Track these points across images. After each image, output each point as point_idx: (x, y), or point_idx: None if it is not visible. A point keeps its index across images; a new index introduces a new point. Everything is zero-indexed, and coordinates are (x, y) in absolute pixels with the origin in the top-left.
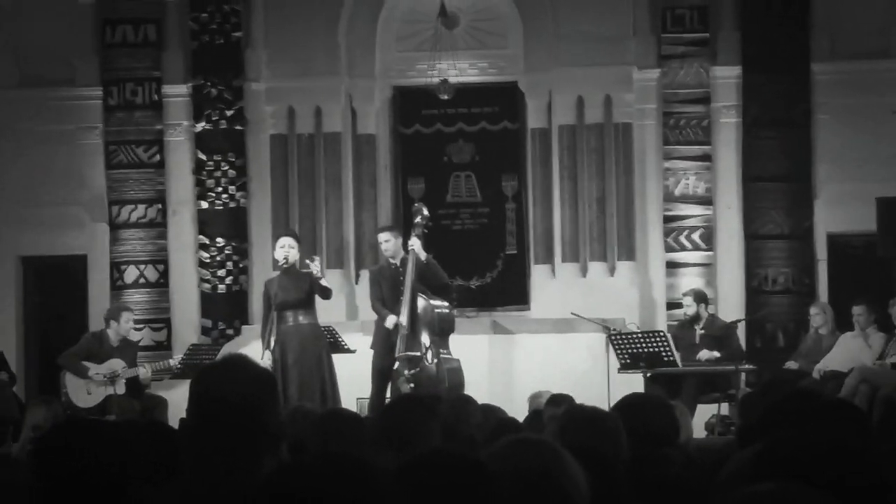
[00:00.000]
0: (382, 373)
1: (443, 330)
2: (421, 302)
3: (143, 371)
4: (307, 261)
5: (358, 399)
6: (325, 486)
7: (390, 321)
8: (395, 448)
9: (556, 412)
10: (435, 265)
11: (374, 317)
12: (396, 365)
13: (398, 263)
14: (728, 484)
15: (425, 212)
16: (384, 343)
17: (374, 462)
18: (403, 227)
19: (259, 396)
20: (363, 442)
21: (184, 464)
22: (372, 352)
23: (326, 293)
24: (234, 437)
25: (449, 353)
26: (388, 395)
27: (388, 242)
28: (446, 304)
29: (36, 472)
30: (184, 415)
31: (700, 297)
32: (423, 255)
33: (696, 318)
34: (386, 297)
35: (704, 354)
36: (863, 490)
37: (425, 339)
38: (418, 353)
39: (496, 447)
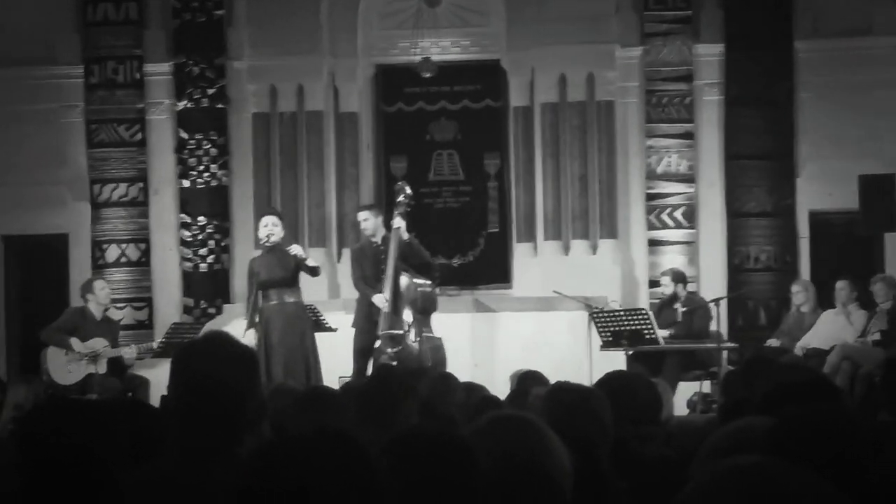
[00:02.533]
0: (364, 351)
1: (425, 308)
2: (403, 280)
3: (129, 351)
4: (288, 249)
5: (340, 377)
6: (312, 460)
7: (378, 299)
8: (376, 425)
9: (541, 391)
10: (417, 244)
11: (356, 295)
12: (378, 343)
13: (379, 242)
14: (710, 456)
15: (408, 190)
16: (366, 321)
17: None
18: (386, 205)
19: (240, 373)
20: (344, 419)
21: (167, 442)
22: (353, 330)
23: (315, 271)
24: (216, 414)
25: (431, 332)
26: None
27: (366, 221)
28: (429, 282)
29: (19, 453)
30: (165, 393)
31: (678, 277)
32: (405, 236)
33: (674, 296)
34: (368, 276)
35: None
36: (863, 467)
37: (408, 317)
38: (401, 332)
39: (479, 424)
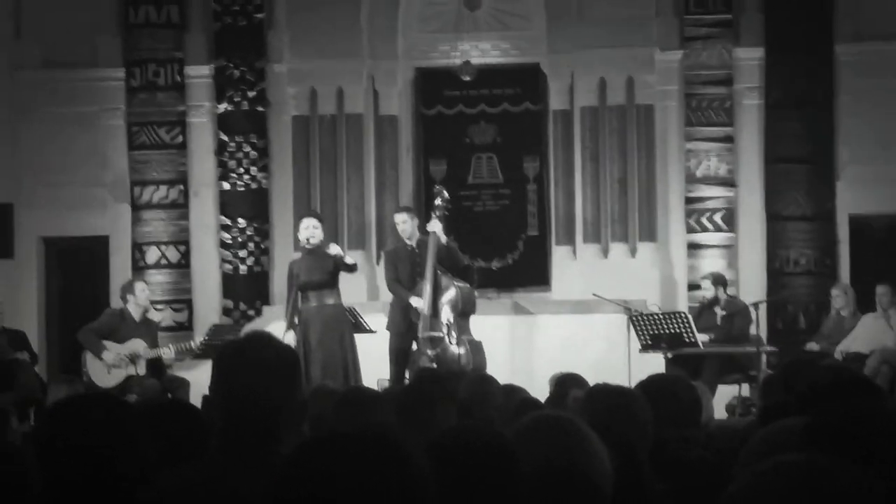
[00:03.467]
0: (401, 354)
1: (465, 311)
2: (443, 282)
3: (167, 352)
4: (330, 252)
5: (378, 380)
6: (351, 459)
7: (417, 301)
8: (415, 427)
9: (580, 394)
10: (454, 249)
11: (391, 298)
12: (415, 347)
13: (414, 245)
14: (752, 457)
15: (445, 194)
16: (401, 324)
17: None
18: (424, 209)
19: (281, 373)
20: (383, 420)
21: (208, 441)
22: (388, 333)
23: (353, 268)
24: (258, 416)
25: (470, 334)
26: (408, 375)
27: (405, 224)
28: (467, 284)
29: (38, 454)
30: (206, 394)
31: (718, 280)
32: (443, 239)
33: (715, 300)
34: (402, 279)
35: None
36: None
37: (447, 319)
38: (440, 334)
39: (520, 425)
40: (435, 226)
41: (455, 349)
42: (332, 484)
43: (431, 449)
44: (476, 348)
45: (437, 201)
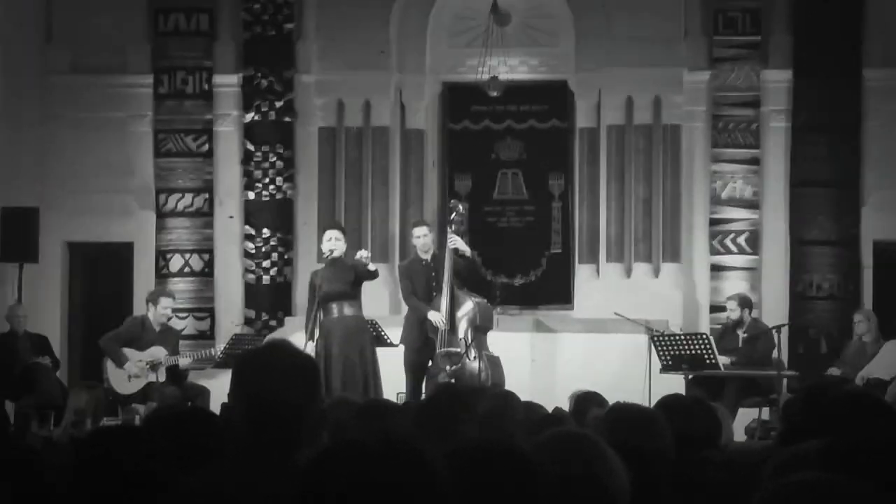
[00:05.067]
0: (417, 368)
1: (482, 326)
2: (460, 297)
3: (185, 361)
4: (356, 257)
5: (398, 393)
6: (371, 465)
7: (435, 316)
8: (435, 440)
9: (600, 412)
10: (476, 263)
11: (405, 311)
12: (431, 363)
13: (429, 259)
14: (774, 475)
15: (461, 208)
16: (417, 338)
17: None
18: (441, 224)
19: (300, 381)
20: (403, 428)
21: (226, 448)
22: (402, 347)
23: (373, 274)
24: (277, 421)
25: (488, 350)
26: (424, 390)
27: (425, 237)
28: (484, 300)
29: (76, 481)
30: (225, 401)
31: (744, 302)
32: (468, 251)
33: (739, 322)
34: (418, 293)
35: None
36: None
37: (465, 335)
38: (459, 350)
39: (540, 439)
40: (455, 240)
41: (473, 365)
42: (353, 489)
43: (451, 459)
44: (494, 364)
45: (453, 216)
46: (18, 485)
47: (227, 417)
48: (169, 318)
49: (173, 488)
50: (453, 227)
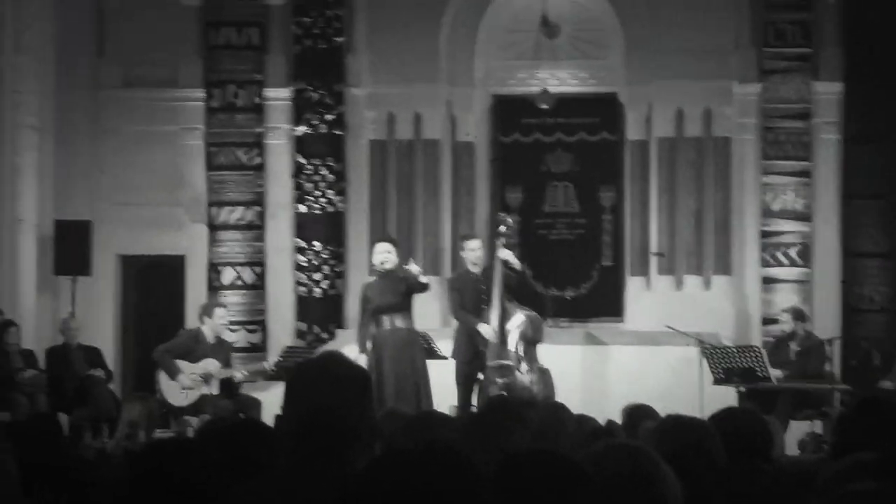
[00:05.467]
0: (468, 380)
1: (533, 339)
2: (510, 310)
3: (238, 376)
4: (405, 266)
5: (450, 406)
6: (421, 473)
7: (485, 329)
8: (486, 452)
9: (652, 425)
10: (525, 276)
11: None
12: (481, 375)
13: (479, 272)
14: (829, 486)
15: (509, 221)
16: (467, 351)
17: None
18: (491, 236)
19: (355, 394)
20: (450, 438)
21: (279, 460)
22: (454, 360)
23: (424, 287)
24: (330, 433)
25: (539, 363)
26: (474, 403)
27: (478, 250)
28: (535, 312)
29: (130, 493)
30: (278, 413)
31: (798, 315)
32: (517, 264)
33: (791, 335)
34: (467, 306)
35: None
36: None
37: (516, 347)
38: (509, 363)
39: (592, 450)
40: (507, 254)
41: (525, 377)
42: (401, 497)
43: (503, 467)
44: (545, 376)
45: (501, 228)
46: (73, 495)
47: (279, 429)
48: (223, 330)
49: (226, 500)
50: (503, 239)
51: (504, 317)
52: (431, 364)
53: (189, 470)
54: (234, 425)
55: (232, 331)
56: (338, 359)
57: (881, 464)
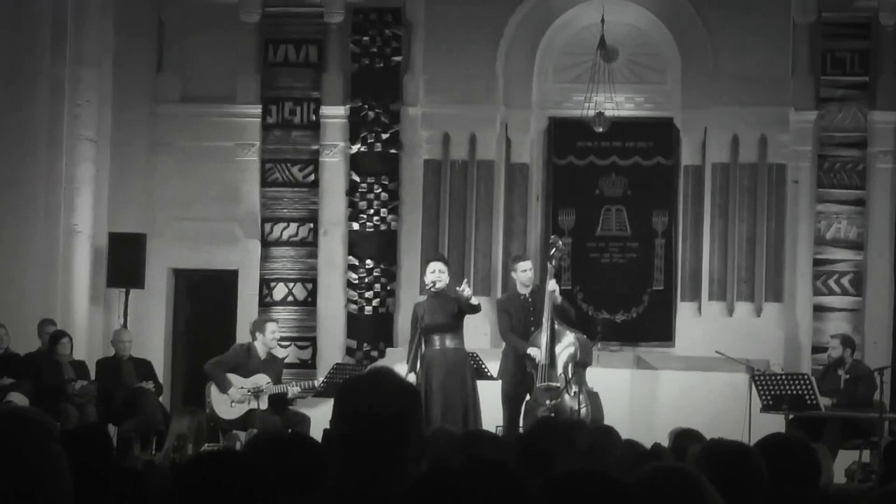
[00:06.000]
0: (514, 400)
1: (582, 362)
2: (560, 332)
3: (293, 390)
4: (457, 288)
5: (497, 427)
6: (470, 487)
7: (535, 351)
8: (534, 471)
9: (699, 449)
10: (568, 308)
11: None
12: (529, 396)
13: (527, 294)
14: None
15: (560, 244)
16: (515, 372)
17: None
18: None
19: (404, 408)
20: (500, 456)
21: (328, 475)
22: (500, 381)
23: (475, 308)
24: (379, 447)
25: (588, 385)
26: (521, 424)
27: (531, 271)
28: (584, 335)
29: (178, 501)
30: (326, 427)
31: (847, 342)
32: (559, 300)
33: (840, 361)
34: (516, 328)
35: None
36: None
37: (565, 369)
38: (558, 385)
39: (640, 473)
40: (553, 285)
41: (573, 400)
42: None
43: (550, 488)
44: (594, 399)
45: (553, 251)
46: None
47: (328, 440)
48: (275, 346)
49: None
50: (553, 262)
51: (553, 338)
52: (480, 384)
53: (237, 481)
54: (283, 438)
55: (282, 346)
56: (388, 371)
57: None
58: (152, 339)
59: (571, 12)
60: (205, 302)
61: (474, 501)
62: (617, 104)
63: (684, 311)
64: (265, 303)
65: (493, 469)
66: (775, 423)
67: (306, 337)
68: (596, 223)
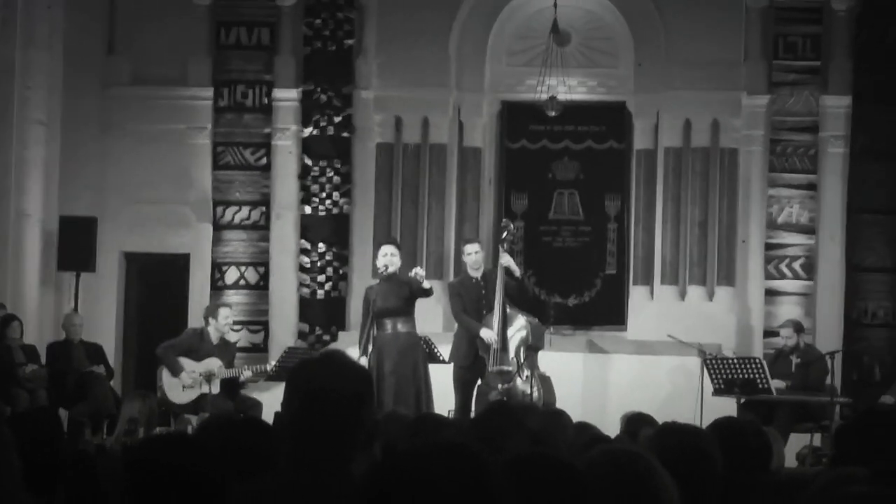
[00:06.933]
0: (467, 385)
1: (534, 345)
2: (512, 316)
3: (246, 374)
4: (411, 273)
5: (449, 411)
6: (431, 470)
7: (487, 334)
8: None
9: (651, 433)
10: (524, 283)
11: (454, 329)
12: (480, 380)
13: (479, 277)
14: (821, 492)
15: (512, 227)
16: (467, 355)
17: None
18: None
19: (357, 390)
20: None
21: (279, 457)
22: (452, 364)
23: (427, 292)
24: (331, 429)
25: (539, 369)
26: (473, 408)
27: (477, 255)
28: (536, 319)
29: (128, 483)
30: (278, 410)
31: (799, 328)
32: (517, 272)
33: (794, 348)
34: (468, 311)
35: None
36: None
37: (517, 353)
38: (510, 369)
39: (590, 456)
40: (508, 260)
41: (525, 384)
42: (416, 493)
43: (503, 470)
44: (546, 383)
45: (504, 234)
46: (71, 489)
47: (280, 421)
48: (227, 331)
49: (225, 496)
50: (505, 245)
51: (505, 322)
52: (432, 368)
53: (187, 464)
54: (235, 421)
55: (234, 330)
56: (341, 354)
57: (875, 476)
58: (103, 323)
59: None
60: (156, 285)
61: (437, 485)
62: (570, 88)
63: (636, 295)
64: (217, 286)
65: (454, 451)
66: (727, 406)
67: (258, 321)
68: (548, 207)
